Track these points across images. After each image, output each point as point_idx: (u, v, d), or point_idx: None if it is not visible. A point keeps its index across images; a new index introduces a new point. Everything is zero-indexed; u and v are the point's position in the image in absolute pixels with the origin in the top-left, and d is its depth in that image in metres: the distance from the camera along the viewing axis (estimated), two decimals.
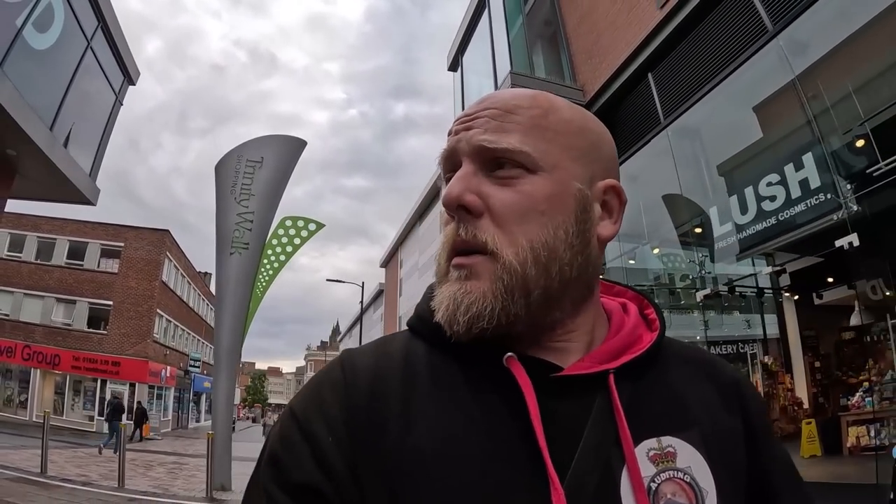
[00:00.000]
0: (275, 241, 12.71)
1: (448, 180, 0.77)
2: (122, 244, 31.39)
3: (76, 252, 30.96)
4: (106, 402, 26.14)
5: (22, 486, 9.47)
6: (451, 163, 0.78)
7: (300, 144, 11.14)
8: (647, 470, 0.69)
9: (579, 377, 0.73)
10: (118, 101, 13.86)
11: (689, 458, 0.72)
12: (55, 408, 27.35)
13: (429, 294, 0.84)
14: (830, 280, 9.12)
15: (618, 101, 9.90)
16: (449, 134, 0.80)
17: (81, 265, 31.04)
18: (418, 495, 0.65)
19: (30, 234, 30.58)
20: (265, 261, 12.11)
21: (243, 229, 9.73)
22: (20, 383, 28.96)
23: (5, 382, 28.76)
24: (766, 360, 9.82)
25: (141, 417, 26.01)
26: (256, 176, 9.81)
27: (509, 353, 0.71)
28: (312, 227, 13.30)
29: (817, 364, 9.83)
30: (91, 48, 12.03)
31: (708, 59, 7.93)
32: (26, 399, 28.25)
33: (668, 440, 0.72)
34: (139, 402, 28.31)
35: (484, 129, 0.75)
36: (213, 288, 31.16)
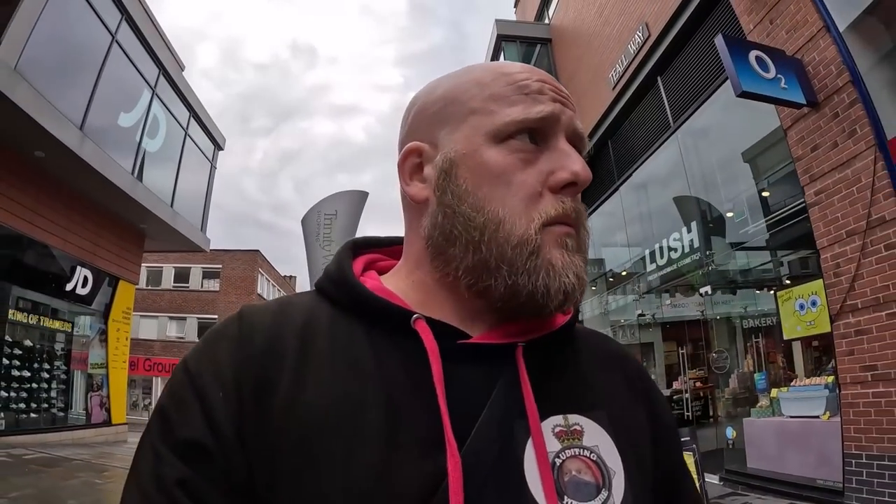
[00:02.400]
0: None
1: (520, 135, 0.72)
2: (220, 266, 35.23)
3: (181, 276, 35.12)
4: None
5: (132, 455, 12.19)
6: (546, 124, 0.72)
7: (363, 196, 13.48)
8: (551, 446, 0.67)
9: (487, 346, 0.71)
10: (213, 167, 16.98)
11: (597, 438, 0.70)
12: None
13: (343, 256, 0.83)
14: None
15: (592, 158, 12.19)
16: (533, 91, 0.73)
17: (187, 287, 35.27)
18: (303, 463, 0.61)
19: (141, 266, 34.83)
20: None
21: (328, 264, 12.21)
22: (143, 390, 33.96)
23: (131, 391, 33.19)
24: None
25: None
26: (333, 226, 11.83)
27: (416, 315, 0.70)
28: None
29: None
30: (188, 135, 15.15)
31: (644, 134, 10.22)
32: (149, 403, 32.87)
33: (574, 418, 0.71)
34: None
35: (575, 115, 0.76)
36: (297, 289, 36.31)
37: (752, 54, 5.57)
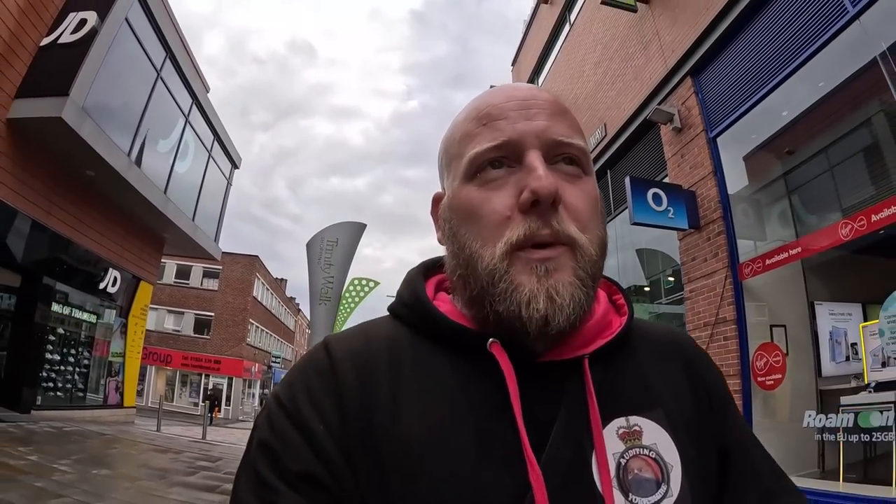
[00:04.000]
0: (347, 295, 17.16)
1: (486, 166, 0.75)
2: (220, 267, 36.90)
3: (183, 273, 36.91)
4: (207, 395, 32.06)
5: (145, 434, 12.95)
6: (503, 150, 0.74)
7: (362, 227, 15.25)
8: (616, 447, 0.71)
9: (556, 363, 0.74)
10: (229, 183, 18.90)
11: (655, 436, 0.74)
12: (166, 396, 33.60)
13: (415, 279, 0.86)
14: None
15: None
16: (494, 119, 0.76)
17: (188, 283, 37.07)
18: (407, 483, 0.65)
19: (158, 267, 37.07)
20: (341, 308, 15.93)
21: (327, 287, 13.02)
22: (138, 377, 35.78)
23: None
24: None
25: (212, 403, 30.23)
26: (334, 252, 13.45)
27: (492, 339, 0.72)
28: (372, 284, 17.98)
29: None
30: (212, 157, 17.04)
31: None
32: (142, 389, 34.30)
33: (634, 419, 0.74)
34: (211, 390, 34.37)
35: (551, 123, 0.75)
36: (288, 293, 38.60)
37: (651, 191, 7.31)
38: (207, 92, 17.95)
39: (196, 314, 37.95)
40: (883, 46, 4.99)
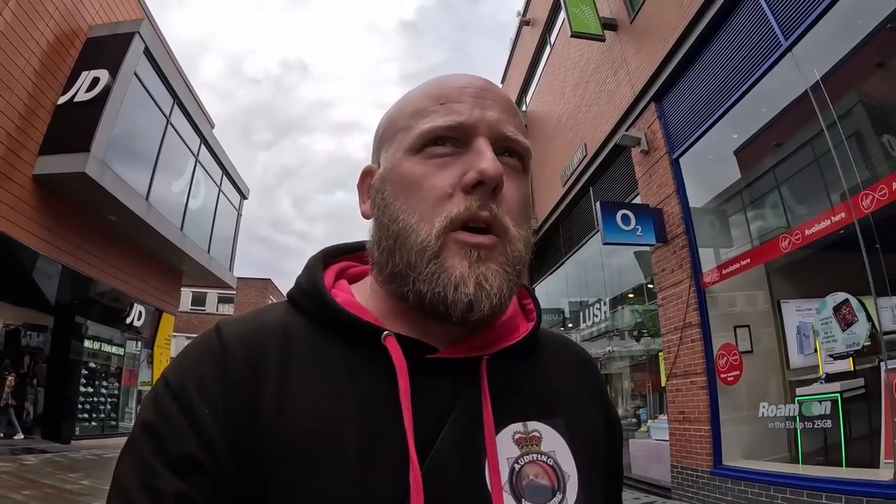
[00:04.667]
0: None
1: (431, 148, 0.73)
2: (234, 292, 37.62)
3: (198, 300, 37.84)
4: None
5: None
6: (457, 131, 0.73)
7: None
8: (511, 451, 0.70)
9: (454, 361, 0.73)
10: (239, 214, 19.78)
11: (554, 443, 0.73)
12: None
13: (314, 266, 0.83)
14: None
15: (551, 232, 14.36)
16: (451, 101, 0.75)
17: (203, 310, 37.94)
18: (288, 475, 0.63)
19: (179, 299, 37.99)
20: None
21: None
22: None
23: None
24: None
25: None
26: None
27: (386, 332, 0.71)
28: None
29: None
30: (222, 191, 17.93)
31: (581, 226, 12.44)
32: None
33: (534, 425, 0.73)
34: None
35: (503, 117, 0.75)
36: None
37: (620, 213, 8.12)
38: (213, 127, 18.85)
39: None
40: (817, 75, 5.72)
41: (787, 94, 6.26)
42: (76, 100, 11.31)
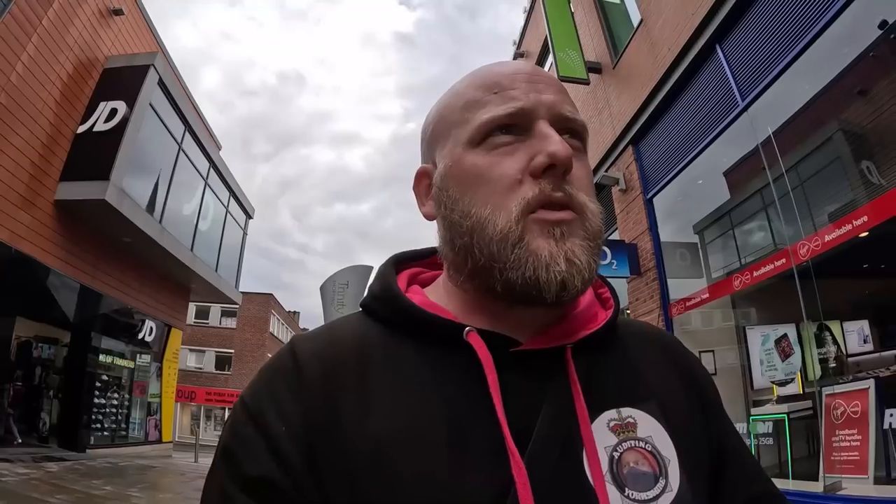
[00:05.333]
0: None
1: (493, 138, 0.73)
2: (237, 306, 38.41)
3: (202, 314, 38.56)
4: None
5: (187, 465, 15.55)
6: (517, 118, 0.73)
7: (369, 270, 16.38)
8: (608, 440, 0.69)
9: (538, 352, 0.72)
10: (244, 233, 20.58)
11: (650, 428, 0.71)
12: (191, 430, 35.04)
13: (386, 272, 0.84)
14: None
15: None
16: (504, 88, 0.75)
17: (207, 323, 38.70)
18: (379, 484, 0.62)
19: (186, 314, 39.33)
20: None
21: None
22: None
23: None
24: None
25: None
26: (345, 294, 14.24)
27: (468, 328, 0.71)
28: None
29: None
30: (229, 212, 18.75)
31: None
32: None
33: (627, 411, 0.72)
34: None
35: (559, 98, 0.76)
36: (300, 325, 40.68)
37: None
38: (219, 150, 19.72)
39: (217, 352, 39.91)
40: (769, 131, 6.49)
41: (743, 147, 7.00)
42: (95, 129, 12.05)
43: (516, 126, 0.73)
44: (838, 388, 5.45)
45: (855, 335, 5.64)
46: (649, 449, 0.70)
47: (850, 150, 5.99)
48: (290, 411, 0.68)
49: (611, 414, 0.71)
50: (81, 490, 8.29)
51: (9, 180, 10.28)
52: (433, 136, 0.83)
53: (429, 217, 0.83)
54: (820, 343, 5.97)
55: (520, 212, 0.69)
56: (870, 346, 5.46)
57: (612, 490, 0.66)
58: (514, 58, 17.34)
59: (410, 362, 0.72)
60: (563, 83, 0.84)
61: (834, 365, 5.72)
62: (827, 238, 5.45)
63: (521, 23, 17.53)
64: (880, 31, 5.01)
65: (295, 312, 55.46)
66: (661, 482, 0.68)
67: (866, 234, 5.00)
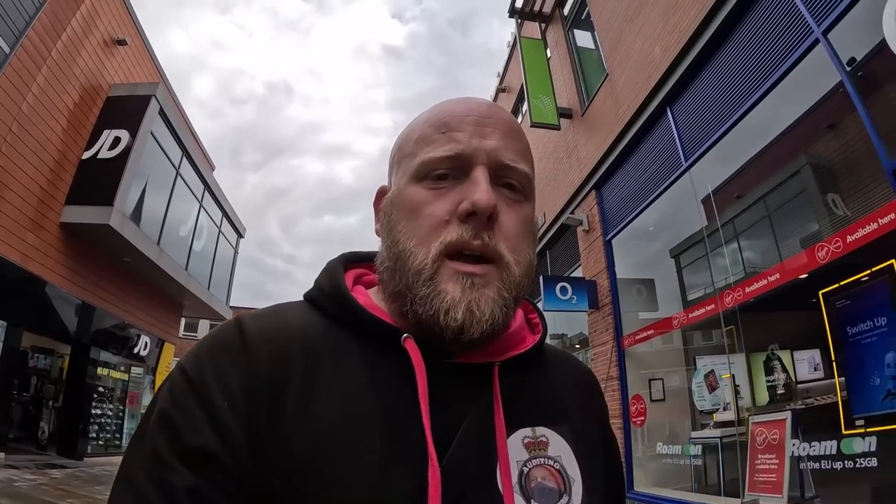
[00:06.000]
0: None
1: (432, 176, 0.77)
2: (223, 320, 39.00)
3: (191, 327, 39.04)
4: None
5: None
6: (455, 161, 0.77)
7: None
8: (521, 455, 0.73)
9: (468, 366, 0.76)
10: (236, 252, 21.41)
11: (560, 449, 0.77)
12: None
13: (335, 269, 0.86)
14: None
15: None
16: (451, 129, 0.78)
17: (195, 336, 39.20)
18: (312, 473, 0.64)
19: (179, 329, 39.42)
20: None
21: None
22: None
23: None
24: None
25: None
26: None
27: (406, 335, 0.74)
28: None
29: None
30: (221, 232, 19.63)
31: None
32: None
33: (541, 430, 0.77)
34: None
35: (502, 145, 0.78)
36: None
37: (559, 285, 9.68)
38: (213, 170, 20.58)
39: None
40: (709, 189, 7.40)
41: (687, 203, 7.82)
42: (100, 156, 12.85)
43: (455, 169, 0.77)
44: (762, 418, 6.18)
45: (805, 363, 6.20)
46: (557, 467, 0.75)
47: (770, 218, 6.97)
48: (235, 387, 0.67)
49: (526, 431, 0.76)
50: (87, 495, 9.07)
51: (20, 205, 11.06)
52: (392, 161, 0.88)
53: (377, 234, 0.87)
54: (769, 371, 6.65)
55: (437, 252, 0.73)
56: (820, 374, 5.87)
57: (519, 500, 0.70)
58: (497, 93, 18.22)
59: (353, 360, 0.74)
60: (515, 126, 0.84)
61: (782, 391, 6.33)
62: (748, 290, 6.38)
63: (508, 48, 17.97)
64: (790, 122, 5.95)
65: None
66: (565, 498, 0.73)
67: (777, 286, 5.91)
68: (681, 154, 7.79)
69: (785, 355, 6.32)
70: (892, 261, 4.45)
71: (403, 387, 0.71)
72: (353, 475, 0.64)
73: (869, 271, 4.78)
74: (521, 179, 0.80)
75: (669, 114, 8.10)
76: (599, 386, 0.99)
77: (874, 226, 4.60)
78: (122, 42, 14.34)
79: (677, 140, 7.91)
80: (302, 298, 0.87)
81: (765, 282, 6.12)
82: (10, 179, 10.77)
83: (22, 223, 11.18)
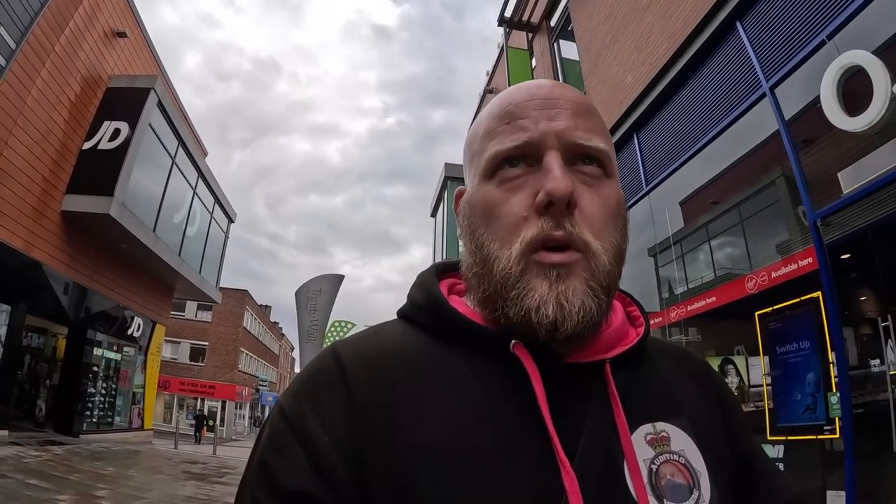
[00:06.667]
0: (329, 335, 20.09)
1: (504, 165, 0.73)
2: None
3: (178, 306, 39.53)
4: (195, 415, 35.22)
5: (168, 451, 15.38)
6: (525, 149, 0.72)
7: (340, 278, 17.52)
8: (646, 453, 0.71)
9: (579, 366, 0.73)
10: (226, 236, 21.99)
11: (682, 442, 0.73)
12: (165, 418, 36.66)
13: (429, 281, 0.83)
14: None
15: None
16: (516, 117, 0.74)
17: (183, 315, 39.76)
18: (432, 491, 0.61)
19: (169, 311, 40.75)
20: (325, 345, 19.08)
21: (313, 328, 14.89)
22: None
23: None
24: None
25: (199, 424, 32.65)
26: (318, 299, 14.61)
27: (515, 340, 0.70)
28: (350, 325, 20.96)
29: None
30: (213, 218, 20.21)
31: None
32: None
33: (661, 425, 0.74)
34: (198, 412, 36.65)
35: (572, 124, 0.73)
36: (271, 318, 42.15)
37: None
38: (206, 156, 21.22)
39: (191, 343, 41.15)
40: (665, 212, 8.10)
41: (645, 224, 8.42)
42: (100, 147, 13.47)
43: (526, 157, 0.73)
44: None
45: (757, 369, 6.50)
46: (683, 462, 0.72)
47: (710, 246, 7.75)
48: (335, 418, 0.66)
49: (647, 428, 0.73)
50: (90, 470, 9.80)
51: (24, 194, 11.69)
52: (465, 161, 0.84)
53: (459, 237, 0.83)
54: (724, 374, 6.91)
55: (520, 252, 0.69)
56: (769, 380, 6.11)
57: (652, 501, 0.67)
58: (484, 94, 18.61)
59: (459, 371, 0.71)
60: (585, 103, 0.78)
61: (735, 393, 6.91)
62: (690, 307, 7.20)
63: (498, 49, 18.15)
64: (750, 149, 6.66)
65: (266, 307, 56.70)
66: (696, 494, 0.70)
67: (714, 307, 6.72)
68: (643, 178, 8.43)
69: (740, 360, 6.63)
70: (818, 293, 5.10)
71: (517, 394, 0.69)
72: (475, 483, 0.62)
73: (797, 299, 5.47)
74: (599, 154, 0.74)
75: (636, 139, 8.74)
76: (715, 374, 0.94)
77: (794, 266, 5.39)
78: (122, 34, 14.90)
79: (640, 165, 8.54)
80: (396, 317, 0.85)
81: (703, 303, 6.96)
82: (15, 171, 11.38)
83: (27, 213, 11.82)
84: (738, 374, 6.58)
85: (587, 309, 0.68)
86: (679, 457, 0.72)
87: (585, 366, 0.73)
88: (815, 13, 5.33)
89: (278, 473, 0.63)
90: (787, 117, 5.65)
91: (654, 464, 0.70)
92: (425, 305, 0.79)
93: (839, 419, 4.84)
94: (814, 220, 5.13)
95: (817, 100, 5.05)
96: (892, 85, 4.38)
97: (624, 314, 0.85)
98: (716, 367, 6.59)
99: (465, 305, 0.80)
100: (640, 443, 0.71)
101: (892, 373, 4.59)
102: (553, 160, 0.70)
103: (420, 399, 0.68)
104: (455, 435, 0.65)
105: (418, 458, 0.63)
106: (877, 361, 4.78)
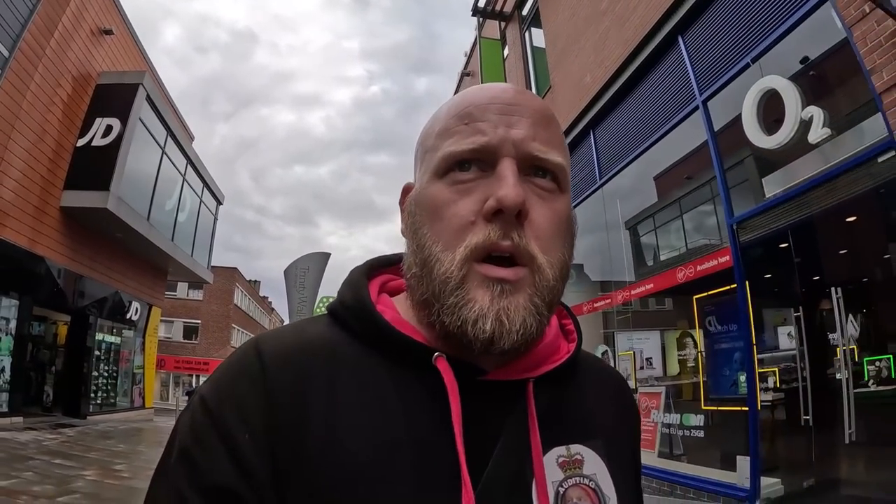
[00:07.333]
0: (318, 310, 20.79)
1: (457, 167, 0.70)
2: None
3: (170, 286, 40.08)
4: (187, 391, 35.64)
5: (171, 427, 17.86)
6: (479, 154, 0.70)
7: (327, 256, 17.50)
8: (556, 475, 0.70)
9: (502, 383, 0.72)
10: (215, 218, 22.78)
11: (594, 466, 0.73)
12: (161, 396, 37.61)
13: (358, 281, 0.80)
14: None
15: None
16: (475, 119, 0.71)
17: (175, 295, 40.51)
18: (339, 500, 0.61)
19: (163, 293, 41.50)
20: None
21: (302, 305, 14.86)
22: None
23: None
24: None
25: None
26: (306, 277, 15.09)
27: (438, 353, 0.69)
28: None
29: None
30: (202, 202, 21.02)
31: None
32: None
33: (576, 448, 0.73)
34: (190, 388, 37.38)
35: (531, 134, 0.71)
36: (260, 292, 42.81)
37: None
38: (192, 141, 21.86)
39: (184, 322, 42.13)
40: (617, 203, 8.95)
41: (598, 212, 9.34)
42: (93, 144, 14.08)
43: (480, 161, 0.70)
44: (647, 389, 7.73)
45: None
46: (593, 486, 0.72)
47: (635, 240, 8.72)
48: (255, 418, 0.64)
49: (560, 450, 0.72)
50: (105, 448, 10.75)
51: (24, 194, 12.37)
52: (416, 156, 0.81)
53: (403, 234, 0.80)
54: (681, 347, 7.52)
55: (464, 257, 0.67)
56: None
57: None
58: (461, 78, 18.92)
59: (379, 378, 0.70)
60: (546, 113, 0.75)
61: (692, 364, 7.18)
62: (633, 292, 8.22)
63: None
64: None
65: (255, 282, 57.62)
66: None
67: (652, 293, 7.79)
68: (597, 173, 9.27)
69: (698, 334, 7.03)
70: (746, 282, 5.88)
71: (435, 408, 0.67)
72: (385, 501, 0.62)
73: (727, 287, 6.26)
74: (555, 170, 0.72)
75: (592, 136, 9.54)
76: (633, 396, 0.94)
77: (714, 262, 6.35)
78: (108, 32, 15.39)
79: (595, 159, 9.35)
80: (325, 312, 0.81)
81: (643, 288, 8.01)
82: (15, 173, 12.03)
83: (29, 212, 12.51)
84: (696, 345, 7.11)
85: (528, 327, 0.66)
86: (590, 481, 0.72)
87: (509, 384, 0.72)
88: (745, 36, 6.02)
89: (201, 465, 0.62)
90: (716, 129, 6.46)
91: (561, 486, 0.70)
92: (352, 307, 0.76)
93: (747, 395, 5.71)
94: (731, 224, 6.01)
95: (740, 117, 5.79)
96: (801, 110, 5.05)
97: (558, 326, 0.85)
98: (674, 341, 7.74)
99: (394, 310, 0.77)
100: (551, 465, 0.70)
101: (804, 358, 5.46)
102: (507, 168, 0.68)
103: (339, 404, 0.67)
104: (369, 449, 0.64)
105: (328, 469, 0.62)
106: (794, 344, 5.70)
